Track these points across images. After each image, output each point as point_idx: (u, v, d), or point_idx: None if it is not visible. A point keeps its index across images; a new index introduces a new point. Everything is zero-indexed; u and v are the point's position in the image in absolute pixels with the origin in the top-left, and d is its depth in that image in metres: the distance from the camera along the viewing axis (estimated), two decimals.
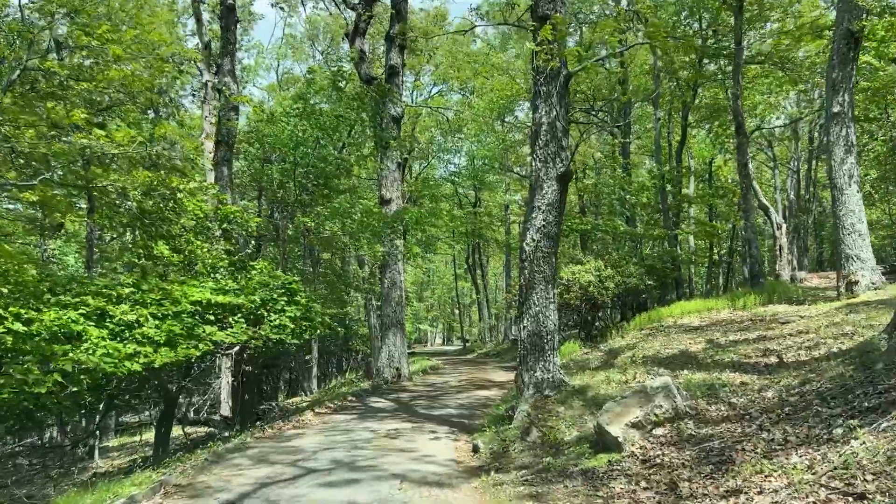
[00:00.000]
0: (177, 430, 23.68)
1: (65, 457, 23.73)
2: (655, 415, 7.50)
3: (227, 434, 17.65)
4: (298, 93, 17.86)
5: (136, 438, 30.17)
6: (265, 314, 12.20)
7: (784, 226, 31.72)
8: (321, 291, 29.44)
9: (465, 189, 49.22)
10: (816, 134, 43.09)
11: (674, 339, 14.42)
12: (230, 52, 16.88)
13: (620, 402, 7.71)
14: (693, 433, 7.27)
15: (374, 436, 10.66)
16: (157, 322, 10.49)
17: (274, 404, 19.49)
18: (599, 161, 34.32)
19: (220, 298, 11.62)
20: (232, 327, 11.37)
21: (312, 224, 15.95)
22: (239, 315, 11.90)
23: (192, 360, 11.16)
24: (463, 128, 38.30)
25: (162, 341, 10.31)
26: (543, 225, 9.32)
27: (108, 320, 10.29)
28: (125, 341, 10.00)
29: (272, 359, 30.01)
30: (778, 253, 31.12)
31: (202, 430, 21.97)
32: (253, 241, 16.73)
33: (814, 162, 45.50)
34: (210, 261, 13.43)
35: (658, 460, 6.83)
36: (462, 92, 42.79)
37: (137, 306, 10.71)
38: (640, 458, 7.06)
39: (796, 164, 44.25)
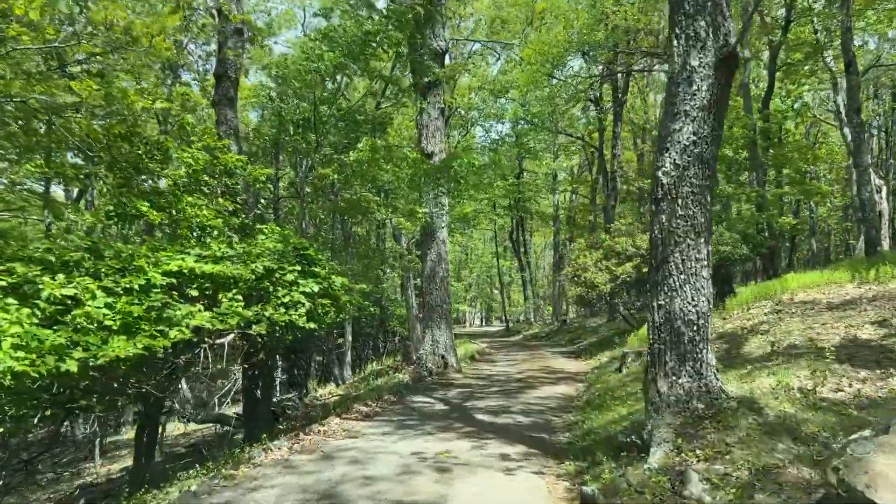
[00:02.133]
0: (182, 427, 20.86)
1: (76, 452, 21.17)
2: None
3: (238, 437, 14.61)
4: (318, 9, 14.41)
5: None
6: (270, 289, 8.93)
7: (885, 188, 27.55)
8: (353, 268, 26.31)
9: (507, 160, 45.52)
10: None
11: (815, 321, 10.78)
12: None
13: (878, 442, 4.25)
14: None
15: (419, 463, 7.34)
16: (110, 299, 7.28)
17: (297, 399, 16.44)
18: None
19: (208, 268, 8.38)
20: (223, 306, 8.11)
21: (335, 176, 12.64)
22: (234, 291, 8.66)
23: (163, 354, 7.97)
24: (509, 88, 34.57)
25: (116, 327, 7.11)
26: (693, 141, 5.81)
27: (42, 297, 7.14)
28: (59, 327, 6.83)
29: (298, 343, 27.07)
30: (878, 219, 26.94)
31: (210, 428, 19.09)
32: (264, 201, 13.46)
33: None
34: (198, 220, 10.19)
35: None
36: (508, 50, 39.07)
37: (87, 277, 7.52)
38: None
39: (879, 121, 39.68)
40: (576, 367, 17.98)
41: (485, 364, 19.36)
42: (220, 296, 8.57)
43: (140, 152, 10.79)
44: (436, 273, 16.40)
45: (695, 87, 5.81)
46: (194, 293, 8.31)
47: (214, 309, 7.89)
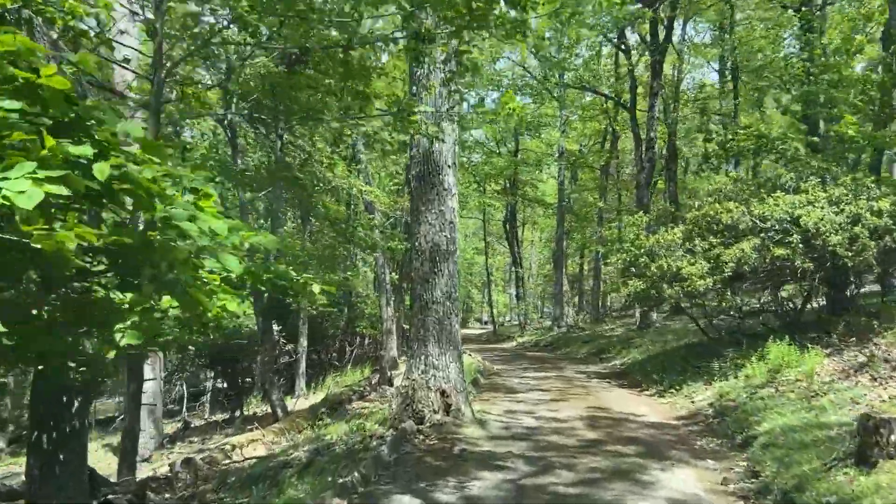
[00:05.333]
0: None
1: None
2: None
3: None
4: None
5: None
6: None
7: None
8: (314, 250, 19.25)
9: (503, 133, 38.85)
10: None
11: None
12: None
13: None
14: None
15: None
16: None
17: (178, 466, 9.31)
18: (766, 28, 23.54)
19: None
20: None
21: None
22: None
23: None
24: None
25: None
26: None
27: None
28: None
29: (224, 352, 19.99)
30: None
31: None
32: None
33: None
34: None
35: None
36: None
37: None
38: None
39: None
40: (648, 406, 11.17)
41: (502, 397, 12.43)
42: None
43: None
44: (437, 247, 9.40)
45: None
46: None
47: None
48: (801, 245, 10.39)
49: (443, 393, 9.06)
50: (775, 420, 7.84)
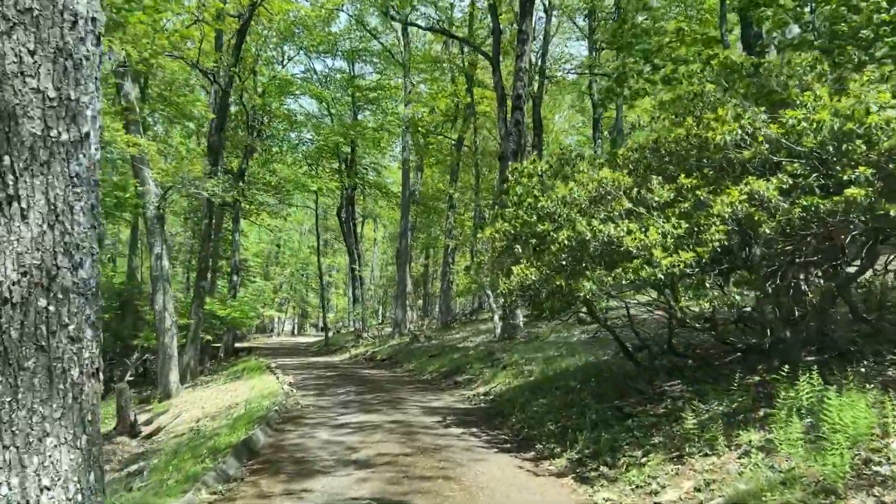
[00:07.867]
0: None
1: None
2: None
3: None
4: None
5: None
6: None
7: None
8: None
9: (339, 106, 32.77)
10: None
11: None
12: None
13: None
14: None
15: None
16: None
17: None
18: None
19: None
20: None
21: None
22: None
23: None
24: None
25: None
26: None
27: None
28: None
29: None
30: None
31: None
32: None
33: None
34: None
35: None
36: None
37: None
38: None
39: None
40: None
41: (280, 493, 6.23)
42: None
43: None
44: (11, 118, 3.09)
45: None
46: None
47: None
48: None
49: None
50: None
